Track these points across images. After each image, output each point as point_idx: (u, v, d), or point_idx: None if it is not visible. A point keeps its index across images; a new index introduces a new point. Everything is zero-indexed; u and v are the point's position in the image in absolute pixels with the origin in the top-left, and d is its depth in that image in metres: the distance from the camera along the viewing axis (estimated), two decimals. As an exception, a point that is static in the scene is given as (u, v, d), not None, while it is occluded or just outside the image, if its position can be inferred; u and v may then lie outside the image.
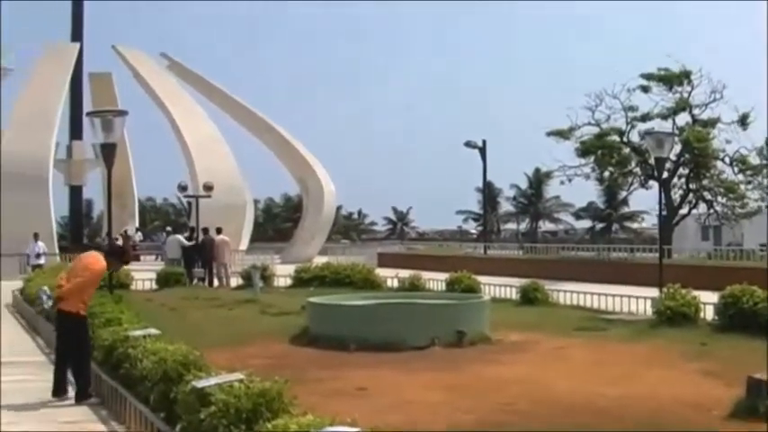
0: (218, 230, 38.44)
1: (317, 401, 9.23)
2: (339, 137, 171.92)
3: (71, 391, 12.93)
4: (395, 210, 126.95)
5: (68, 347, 13.02)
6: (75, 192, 70.97)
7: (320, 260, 42.06)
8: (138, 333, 12.61)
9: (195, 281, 34.69)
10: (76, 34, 67.72)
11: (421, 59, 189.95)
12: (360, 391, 12.23)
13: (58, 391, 12.88)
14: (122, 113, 21.09)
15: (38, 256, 41.06)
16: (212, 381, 8.69)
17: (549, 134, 53.95)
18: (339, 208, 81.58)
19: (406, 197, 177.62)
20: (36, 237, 42.15)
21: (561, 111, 62.76)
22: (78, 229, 73.95)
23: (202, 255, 37.86)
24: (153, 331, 12.81)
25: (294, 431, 6.79)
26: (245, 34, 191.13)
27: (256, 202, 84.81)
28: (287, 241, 75.07)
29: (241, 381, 8.44)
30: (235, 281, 33.46)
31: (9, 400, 12.93)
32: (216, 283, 36.10)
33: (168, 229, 51.24)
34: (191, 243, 39.02)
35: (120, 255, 14.12)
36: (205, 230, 39.18)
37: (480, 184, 72.10)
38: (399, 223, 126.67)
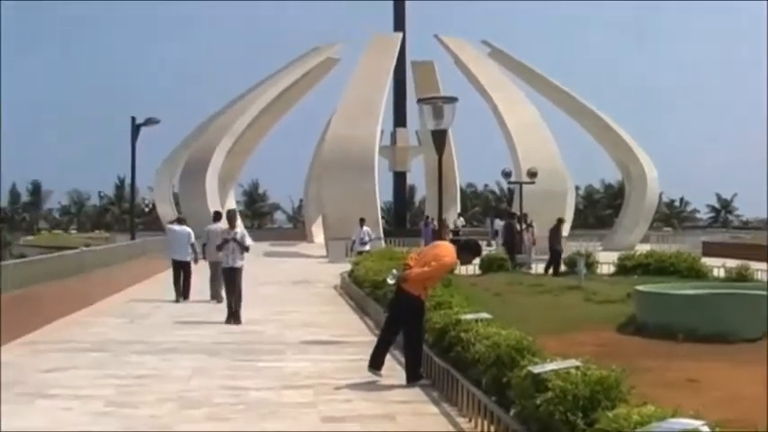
0: (560, 221, 37.99)
1: (648, 391, 9.01)
2: (660, 121, 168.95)
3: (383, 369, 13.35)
4: (718, 197, 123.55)
5: (400, 326, 13.38)
6: (399, 177, 72.81)
7: (642, 248, 41.38)
8: (470, 317, 12.73)
9: (517, 267, 34.83)
10: (399, 24, 69.41)
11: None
12: (691, 383, 11.90)
13: (375, 363, 13.27)
14: (452, 100, 21.10)
15: (363, 243, 40.23)
16: (548, 367, 8.68)
17: None
18: (660, 195, 79.95)
19: (731, 184, 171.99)
20: (362, 222, 41.43)
21: None
22: (401, 214, 75.94)
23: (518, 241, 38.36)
24: (484, 315, 12.89)
25: (636, 421, 6.69)
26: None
27: (577, 188, 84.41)
28: (608, 228, 74.41)
29: (577, 368, 8.41)
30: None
31: (343, 378, 13.50)
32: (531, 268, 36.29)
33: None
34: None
35: (473, 249, 14.28)
36: (513, 215, 39.68)
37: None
38: (723, 211, 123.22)
